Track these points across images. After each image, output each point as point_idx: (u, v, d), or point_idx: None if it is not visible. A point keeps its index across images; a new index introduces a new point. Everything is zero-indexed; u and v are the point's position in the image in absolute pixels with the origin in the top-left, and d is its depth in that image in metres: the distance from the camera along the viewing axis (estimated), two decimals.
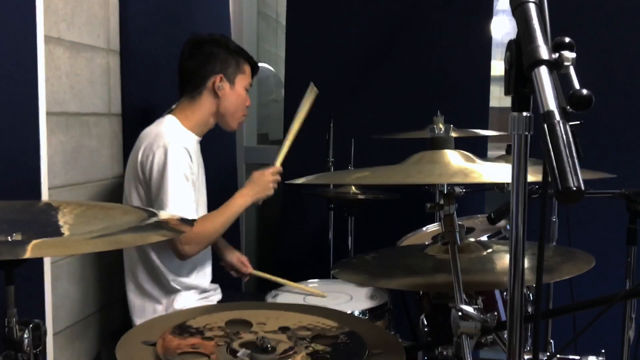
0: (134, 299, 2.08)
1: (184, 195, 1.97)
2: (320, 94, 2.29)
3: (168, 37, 2.47)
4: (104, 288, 2.20)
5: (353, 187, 2.63)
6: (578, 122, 0.72)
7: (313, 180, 1.40)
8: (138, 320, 2.07)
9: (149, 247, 2.05)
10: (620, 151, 2.70)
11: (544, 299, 2.26)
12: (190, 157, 2.01)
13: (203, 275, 2.20)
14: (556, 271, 1.46)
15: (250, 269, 2.40)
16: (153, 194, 1.97)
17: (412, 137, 2.29)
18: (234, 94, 2.17)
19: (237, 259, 2.41)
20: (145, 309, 2.07)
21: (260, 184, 2.13)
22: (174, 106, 2.16)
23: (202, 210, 2.16)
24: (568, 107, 0.72)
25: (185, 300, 2.09)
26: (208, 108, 2.15)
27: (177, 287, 2.08)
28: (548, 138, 0.68)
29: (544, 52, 0.74)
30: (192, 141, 2.10)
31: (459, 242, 1.32)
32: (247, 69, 2.22)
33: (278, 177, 2.17)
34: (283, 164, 2.21)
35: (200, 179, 2.15)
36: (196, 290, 2.15)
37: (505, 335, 0.97)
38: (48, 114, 1.78)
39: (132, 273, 2.08)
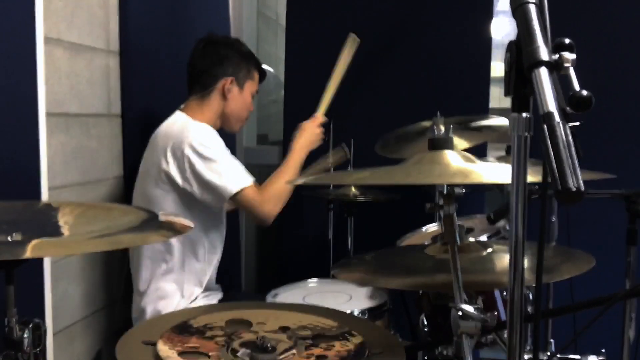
0: (168, 289, 2.08)
1: (234, 166, 2.01)
2: (320, 94, 2.30)
3: (168, 38, 2.47)
4: (104, 288, 2.20)
5: (353, 188, 2.63)
6: (577, 123, 0.72)
7: (313, 180, 1.41)
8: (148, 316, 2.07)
9: (197, 235, 2.07)
10: (620, 151, 2.70)
11: (544, 299, 2.26)
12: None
13: (212, 272, 2.20)
14: (556, 271, 1.46)
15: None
16: (207, 183, 1.97)
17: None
18: (241, 98, 2.19)
19: None
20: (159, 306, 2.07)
21: (312, 133, 2.22)
22: (182, 105, 2.17)
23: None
24: (568, 108, 0.72)
25: (191, 297, 2.11)
26: (216, 109, 2.16)
27: (191, 284, 2.10)
28: (548, 139, 0.68)
29: (544, 53, 0.75)
30: None
31: (458, 242, 1.33)
32: (256, 75, 2.24)
33: (322, 128, 2.22)
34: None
35: None
36: (205, 288, 2.16)
37: (506, 335, 0.97)
38: (48, 114, 1.78)
39: (151, 272, 2.08)
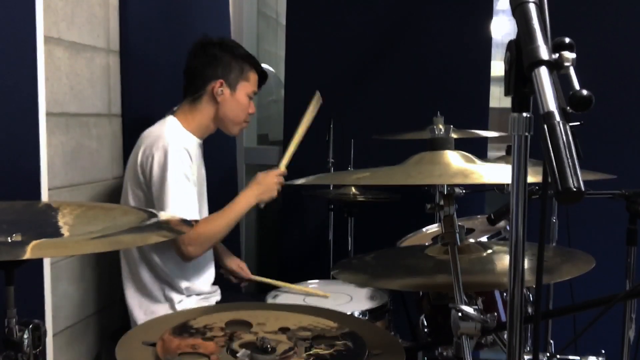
0: (134, 302, 2.08)
1: (186, 196, 1.96)
2: (321, 94, 2.30)
3: (168, 37, 2.47)
4: (103, 288, 2.20)
5: (353, 188, 2.63)
6: (578, 123, 0.72)
7: (313, 180, 1.40)
8: (138, 323, 2.07)
9: (151, 250, 2.04)
10: (620, 151, 2.70)
11: (544, 300, 2.26)
12: (191, 158, 2.01)
13: (205, 278, 2.19)
14: (556, 272, 1.46)
15: (249, 275, 2.39)
16: (154, 195, 1.97)
17: (412, 137, 2.29)
18: (233, 101, 2.13)
19: (236, 265, 2.40)
20: (145, 312, 2.06)
21: (265, 185, 2.11)
22: (175, 107, 2.16)
23: (204, 212, 2.16)
24: (568, 107, 0.72)
25: (185, 303, 2.09)
26: (207, 113, 2.13)
27: (178, 290, 2.08)
28: (548, 139, 0.68)
29: (544, 53, 0.74)
30: (193, 143, 2.09)
31: (458, 243, 1.32)
32: (252, 76, 2.18)
33: (282, 180, 2.16)
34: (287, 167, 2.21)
35: (200, 181, 2.14)
36: (197, 293, 2.14)
37: (505, 336, 0.97)
38: (48, 114, 1.78)
39: (133, 276, 2.08)
